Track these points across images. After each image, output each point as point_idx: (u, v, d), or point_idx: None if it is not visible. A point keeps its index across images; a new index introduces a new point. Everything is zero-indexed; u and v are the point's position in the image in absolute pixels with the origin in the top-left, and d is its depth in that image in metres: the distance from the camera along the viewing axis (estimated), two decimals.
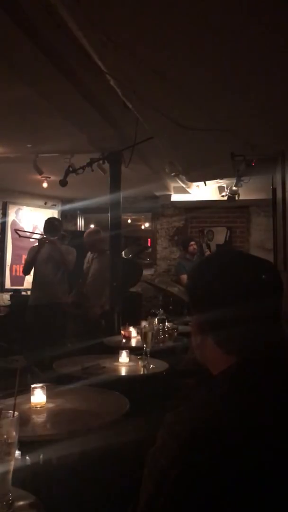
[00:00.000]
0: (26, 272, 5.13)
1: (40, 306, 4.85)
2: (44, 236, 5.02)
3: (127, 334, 3.76)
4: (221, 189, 6.53)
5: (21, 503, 1.15)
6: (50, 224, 5.09)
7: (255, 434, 0.76)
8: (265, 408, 0.79)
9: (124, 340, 3.74)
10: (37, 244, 5.09)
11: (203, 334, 0.94)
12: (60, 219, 5.95)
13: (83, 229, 8.55)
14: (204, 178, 6.12)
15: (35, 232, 6.11)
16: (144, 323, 3.47)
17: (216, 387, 0.86)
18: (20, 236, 5.86)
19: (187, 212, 7.88)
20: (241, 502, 0.72)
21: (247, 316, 0.88)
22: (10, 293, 6.95)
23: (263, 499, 0.72)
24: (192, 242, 6.95)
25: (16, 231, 6.15)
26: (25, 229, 7.68)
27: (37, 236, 5.32)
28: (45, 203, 7.90)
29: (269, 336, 0.89)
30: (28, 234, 5.90)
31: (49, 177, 6.02)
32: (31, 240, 5.68)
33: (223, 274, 0.94)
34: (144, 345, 3.05)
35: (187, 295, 1.04)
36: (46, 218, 5.36)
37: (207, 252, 6.96)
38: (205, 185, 6.41)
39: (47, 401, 2.07)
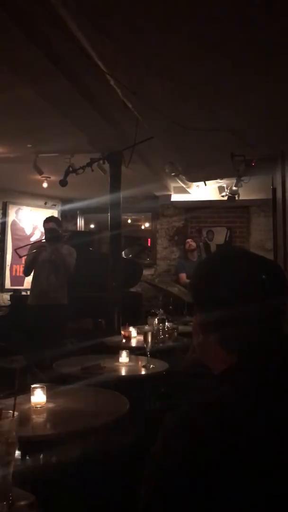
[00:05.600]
0: (26, 272, 5.11)
1: (40, 306, 4.84)
2: (45, 245, 4.93)
3: (127, 334, 3.76)
4: (221, 189, 6.53)
5: (21, 503, 1.15)
6: (50, 232, 4.94)
7: (256, 434, 0.76)
8: (267, 408, 0.79)
9: (124, 340, 3.73)
10: (37, 244, 5.06)
11: (205, 333, 0.93)
12: (57, 217, 5.82)
13: (83, 229, 8.57)
14: (204, 178, 6.12)
15: (35, 242, 5.89)
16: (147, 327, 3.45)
17: (217, 386, 0.86)
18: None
19: (187, 212, 7.88)
20: (242, 502, 0.72)
21: (250, 315, 0.88)
22: (10, 293, 6.95)
23: (265, 499, 0.72)
24: (188, 240, 6.95)
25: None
26: (25, 230, 7.70)
27: (38, 245, 5.19)
28: (45, 203, 7.91)
29: (272, 336, 0.89)
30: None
31: (49, 177, 6.02)
32: (30, 239, 5.61)
33: (226, 273, 0.93)
34: (145, 345, 3.05)
35: (190, 293, 1.03)
36: (44, 219, 5.22)
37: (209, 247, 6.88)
38: (205, 185, 6.41)
39: (47, 401, 2.07)
